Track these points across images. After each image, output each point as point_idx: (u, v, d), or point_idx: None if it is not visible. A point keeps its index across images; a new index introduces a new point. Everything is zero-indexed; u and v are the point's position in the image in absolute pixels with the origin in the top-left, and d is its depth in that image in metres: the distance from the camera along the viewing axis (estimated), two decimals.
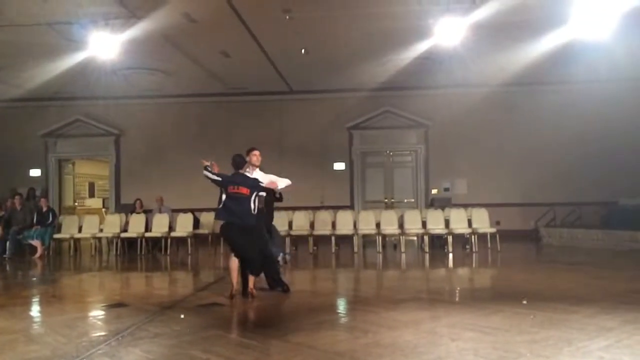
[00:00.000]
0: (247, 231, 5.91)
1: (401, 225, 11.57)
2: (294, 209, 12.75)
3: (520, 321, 4.77)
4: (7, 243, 11.56)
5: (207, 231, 12.30)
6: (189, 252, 11.76)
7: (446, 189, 14.46)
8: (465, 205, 12.41)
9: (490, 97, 13.78)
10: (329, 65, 12.18)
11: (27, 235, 11.68)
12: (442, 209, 12.18)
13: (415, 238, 12.87)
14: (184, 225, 12.16)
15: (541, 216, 13.64)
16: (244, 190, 5.89)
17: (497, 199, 13.57)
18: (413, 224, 11.52)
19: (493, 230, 11.27)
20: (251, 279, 6.16)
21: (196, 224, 12.44)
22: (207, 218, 12.68)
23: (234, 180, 5.99)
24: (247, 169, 6.20)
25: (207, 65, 12.09)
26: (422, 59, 11.19)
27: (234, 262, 6.12)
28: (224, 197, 6.02)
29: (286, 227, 11.71)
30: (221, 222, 6.14)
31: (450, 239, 11.22)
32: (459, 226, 11.39)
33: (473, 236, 11.24)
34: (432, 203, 13.65)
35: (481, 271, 9.45)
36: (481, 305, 5.54)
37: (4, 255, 11.38)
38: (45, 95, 14.05)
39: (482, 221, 11.45)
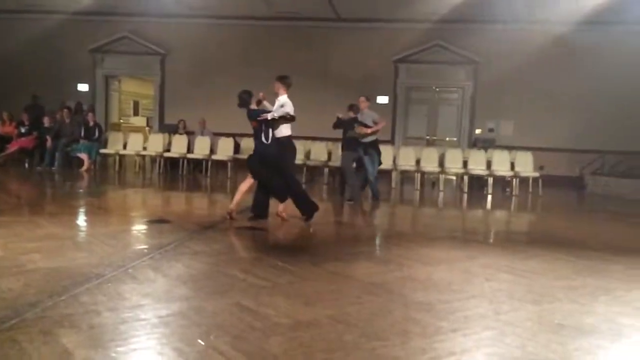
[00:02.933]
0: (265, 160, 6.22)
1: (441, 164, 11.43)
2: (334, 139, 12.70)
3: (558, 267, 4.72)
4: (56, 155, 11.98)
5: (247, 156, 12.39)
6: (229, 175, 11.96)
7: (491, 130, 14.08)
8: (509, 148, 12.12)
9: (551, 35, 13.03)
10: None
11: (75, 148, 12.06)
12: (485, 149, 11.93)
13: (454, 177, 12.73)
14: (224, 149, 12.33)
15: (588, 163, 13.22)
16: (254, 124, 6.24)
17: (543, 143, 13.14)
18: (454, 163, 11.36)
19: (536, 174, 11.03)
20: (280, 205, 6.39)
21: (236, 148, 12.58)
22: (248, 143, 12.76)
23: (248, 115, 6.32)
24: (265, 101, 6.56)
25: None
26: None
27: (244, 185, 6.41)
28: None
29: (325, 158, 11.73)
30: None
31: (490, 180, 11.04)
32: (501, 168, 11.18)
33: (515, 179, 11.03)
34: (475, 143, 13.37)
35: (520, 215, 9.32)
36: (518, 249, 5.50)
37: (52, 167, 11.83)
38: (98, 10, 14.02)
39: (526, 165, 11.19)
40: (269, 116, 6.21)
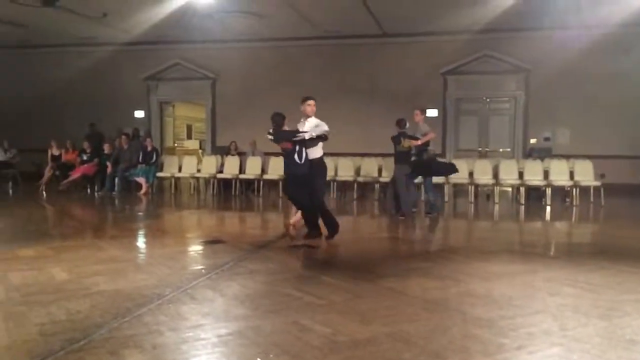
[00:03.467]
0: (297, 180, 6.30)
1: (495, 175, 11.17)
2: (383, 155, 12.66)
3: (624, 279, 4.50)
4: (115, 180, 12.46)
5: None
6: (280, 194, 12.08)
7: (546, 139, 13.65)
8: (567, 156, 11.72)
9: (604, 39, 12.58)
10: (425, 7, 11.65)
11: (133, 172, 12.50)
12: (541, 159, 11.58)
13: (509, 189, 12.41)
14: (275, 169, 12.46)
15: None
16: (287, 145, 6.25)
17: (602, 151, 12.61)
18: (509, 174, 11.08)
19: (597, 183, 10.60)
20: (295, 218, 6.53)
21: None
22: None
23: (279, 138, 6.34)
24: (302, 119, 6.46)
25: (300, 7, 11.97)
26: None
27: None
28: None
29: (375, 174, 11.71)
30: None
31: (548, 191, 10.70)
32: (559, 178, 10.82)
33: (574, 189, 10.64)
34: (531, 153, 13.00)
35: (582, 226, 8.97)
36: (581, 261, 5.28)
37: (113, 192, 12.30)
38: (147, 40, 14.60)
39: (585, 173, 10.79)
40: (307, 136, 6.19)
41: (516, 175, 11.08)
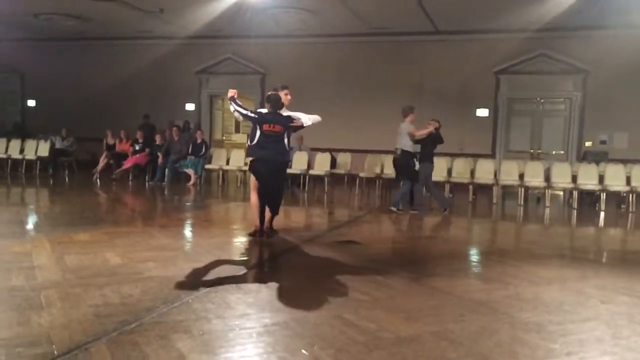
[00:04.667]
0: (278, 168, 5.84)
1: (547, 178, 10.85)
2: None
3: None
4: (166, 170, 12.78)
5: (343, 171, 12.60)
6: (325, 190, 12.13)
7: (602, 142, 13.16)
8: (624, 161, 11.26)
9: None
10: (482, 6, 11.41)
11: (183, 164, 12.80)
12: (597, 163, 11.17)
13: (561, 193, 12.05)
14: (321, 164, 12.53)
15: None
16: (278, 128, 5.71)
17: None
18: (561, 178, 10.74)
19: None
20: (269, 217, 5.98)
21: (333, 163, 12.74)
22: (344, 159, 12.94)
23: (268, 119, 5.74)
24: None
25: (353, 4, 11.94)
26: None
27: (255, 199, 5.86)
28: (257, 134, 5.75)
29: None
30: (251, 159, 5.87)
31: (603, 196, 10.32)
32: (615, 183, 10.41)
33: (631, 195, 10.23)
34: (585, 156, 12.56)
35: (638, 233, 8.61)
36: (636, 270, 5.09)
37: (162, 182, 12.63)
38: (201, 34, 14.88)
39: None
40: (305, 124, 5.90)
41: (569, 179, 10.74)
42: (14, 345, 2.70)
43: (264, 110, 5.96)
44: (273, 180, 5.80)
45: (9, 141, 14.41)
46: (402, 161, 9.05)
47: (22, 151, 14.16)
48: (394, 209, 8.92)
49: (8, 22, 14.40)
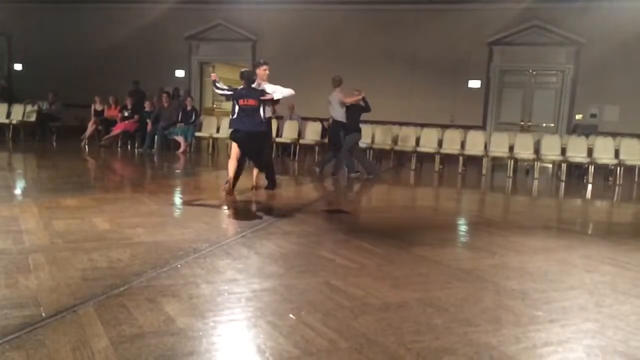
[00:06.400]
0: (255, 137, 6.44)
1: (537, 151, 10.90)
2: (422, 125, 12.51)
3: None
4: (155, 137, 12.67)
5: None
6: (316, 159, 12.10)
7: (593, 115, 13.19)
8: (613, 134, 11.32)
9: None
10: None
11: (172, 131, 12.69)
12: (586, 136, 11.22)
13: (550, 165, 12.12)
14: (312, 133, 12.47)
15: None
16: (252, 102, 6.33)
17: None
18: (550, 150, 10.79)
19: None
20: (256, 174, 7.00)
21: (324, 132, 12.68)
22: None
23: (243, 94, 6.36)
24: (258, 82, 6.60)
25: None
26: None
27: (232, 164, 6.49)
28: (236, 108, 6.38)
29: (413, 144, 11.60)
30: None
31: (591, 169, 10.40)
32: (604, 156, 10.49)
33: (619, 168, 10.31)
34: (575, 129, 12.62)
35: (624, 205, 8.71)
36: (621, 241, 5.16)
37: (152, 149, 12.53)
38: None
39: (632, 153, 10.43)
40: (277, 96, 6.48)
41: (558, 152, 10.79)
42: (0, 307, 2.70)
43: (241, 87, 6.51)
44: (252, 147, 6.48)
45: None
46: (334, 131, 9.55)
47: (8, 115, 13.94)
48: (353, 175, 9.47)
49: None
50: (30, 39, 16.80)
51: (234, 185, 6.53)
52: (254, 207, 6.09)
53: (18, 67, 17.72)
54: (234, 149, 6.54)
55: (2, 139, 13.28)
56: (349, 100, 9.22)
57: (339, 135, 9.38)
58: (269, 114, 6.87)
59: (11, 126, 13.65)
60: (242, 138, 6.42)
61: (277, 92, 6.52)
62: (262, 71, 6.66)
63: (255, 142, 6.47)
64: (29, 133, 13.66)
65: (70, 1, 15.95)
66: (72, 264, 3.46)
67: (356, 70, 14.46)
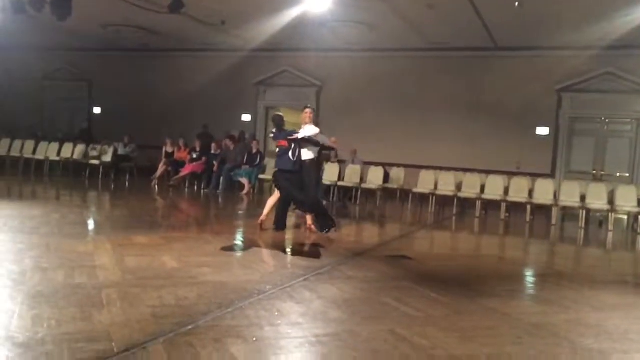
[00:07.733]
0: (284, 176, 6.99)
1: (611, 201, 10.39)
2: (487, 172, 12.24)
3: None
4: (221, 179, 13.04)
5: (396, 186, 12.51)
6: (377, 204, 12.05)
7: None
8: None
9: None
10: (546, 21, 11.11)
11: (238, 173, 13.02)
12: None
13: (626, 217, 11.49)
14: (374, 178, 12.47)
15: None
16: (283, 143, 6.98)
17: None
18: (626, 201, 10.25)
19: None
20: (309, 217, 7.41)
21: (386, 177, 12.67)
22: (397, 174, 12.85)
23: (277, 136, 7.09)
24: (302, 126, 7.16)
25: (411, 18, 11.88)
26: None
27: (272, 200, 7.27)
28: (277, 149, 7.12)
29: (478, 190, 11.37)
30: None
31: None
32: None
33: None
34: None
35: None
36: None
37: (217, 190, 12.89)
38: (260, 47, 15.16)
39: None
40: (299, 136, 6.92)
41: (635, 203, 10.24)
42: (76, 340, 2.81)
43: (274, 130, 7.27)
44: (283, 184, 7.02)
45: (75, 146, 15.07)
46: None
47: (86, 156, 14.79)
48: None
49: (78, 33, 15.11)
50: (109, 85, 17.94)
51: (281, 222, 7.15)
52: (316, 251, 6.09)
53: (97, 110, 18.88)
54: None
55: (80, 178, 14.05)
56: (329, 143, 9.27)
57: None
58: (307, 155, 7.18)
59: (88, 166, 14.44)
60: (275, 176, 7.22)
61: (301, 133, 6.99)
62: (304, 114, 7.25)
63: (286, 180, 6.95)
64: (104, 173, 14.39)
65: (146, 49, 16.95)
66: (142, 301, 3.56)
67: (419, 116, 14.50)
